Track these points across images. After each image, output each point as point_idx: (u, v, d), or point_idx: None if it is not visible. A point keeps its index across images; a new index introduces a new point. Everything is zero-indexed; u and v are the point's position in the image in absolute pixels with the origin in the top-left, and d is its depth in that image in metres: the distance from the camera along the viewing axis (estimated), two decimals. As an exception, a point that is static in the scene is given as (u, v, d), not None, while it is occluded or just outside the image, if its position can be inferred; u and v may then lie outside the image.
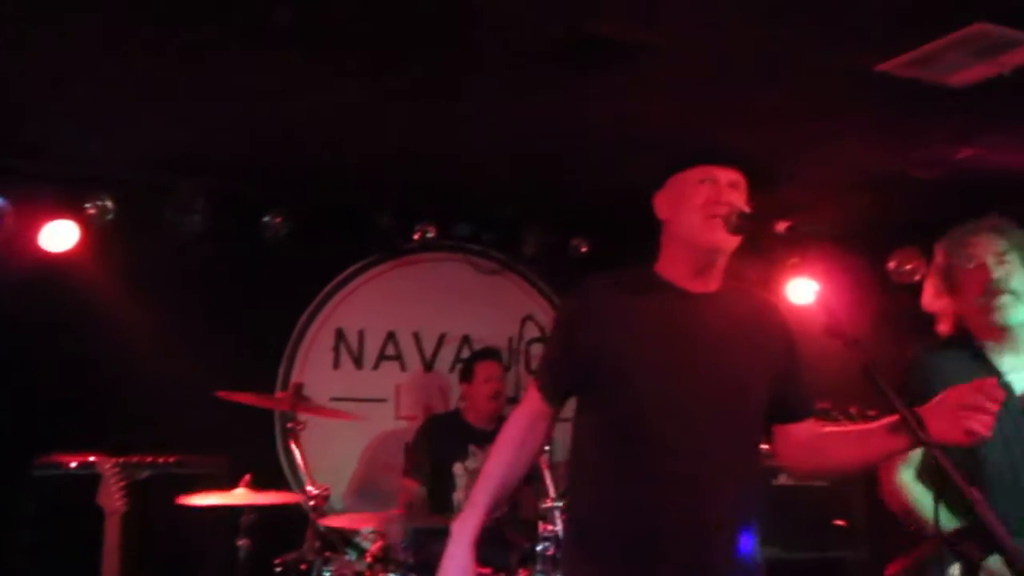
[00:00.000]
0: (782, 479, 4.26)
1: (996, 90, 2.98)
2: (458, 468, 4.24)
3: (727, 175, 1.99)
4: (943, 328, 2.35)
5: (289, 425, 3.47)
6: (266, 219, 4.50)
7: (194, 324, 4.32)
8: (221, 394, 3.40)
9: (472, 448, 4.28)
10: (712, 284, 2.03)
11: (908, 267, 4.88)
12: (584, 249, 5.11)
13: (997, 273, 2.20)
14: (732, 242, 1.96)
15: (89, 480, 3.23)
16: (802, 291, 4.97)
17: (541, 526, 3.09)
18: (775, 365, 2.03)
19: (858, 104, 3.28)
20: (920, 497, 2.21)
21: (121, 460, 3.28)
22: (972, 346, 2.29)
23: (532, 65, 3.02)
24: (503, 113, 3.51)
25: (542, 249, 5.08)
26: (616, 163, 4.00)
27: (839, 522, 4.30)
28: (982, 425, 1.65)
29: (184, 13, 2.68)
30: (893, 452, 1.87)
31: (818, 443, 2.02)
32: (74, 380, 4.10)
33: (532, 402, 2.09)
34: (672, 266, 2.04)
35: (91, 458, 3.30)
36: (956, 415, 1.67)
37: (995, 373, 2.21)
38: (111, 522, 3.11)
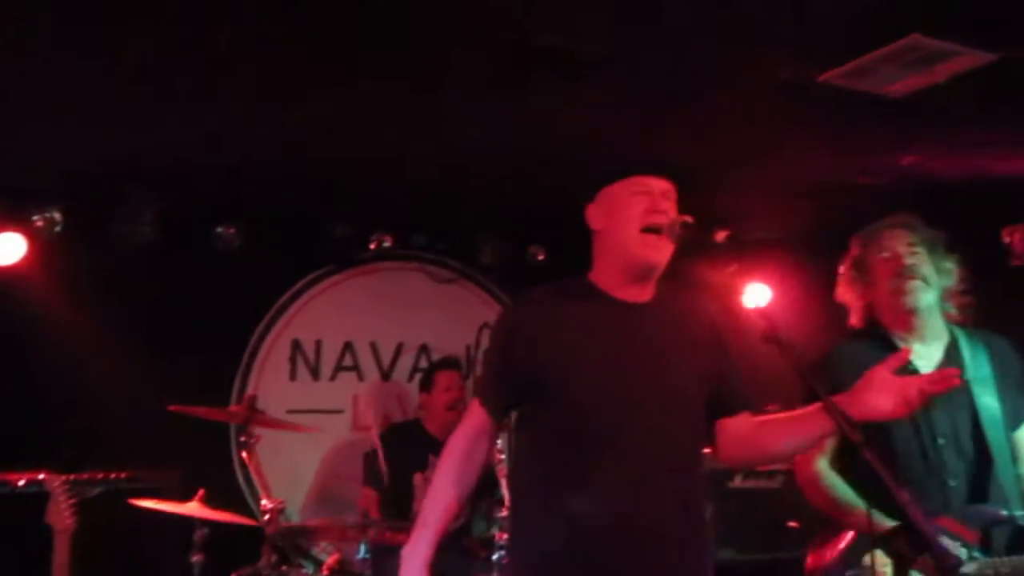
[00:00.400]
0: (737, 481, 4.33)
1: (932, 100, 3.07)
2: (418, 478, 4.24)
3: (659, 185, 2.04)
4: (853, 320, 2.46)
5: (242, 438, 3.45)
6: (219, 230, 4.47)
7: (147, 337, 4.28)
8: (174, 408, 3.36)
9: (431, 458, 4.28)
10: (647, 293, 2.06)
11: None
12: (541, 257, 5.14)
13: (909, 260, 2.33)
14: (668, 253, 2.00)
15: (37, 498, 3.17)
16: (755, 295, 5.11)
17: (498, 535, 3.11)
18: (709, 365, 2.07)
19: (802, 114, 3.35)
20: (837, 486, 2.31)
21: (71, 477, 3.22)
22: (881, 335, 2.39)
23: (486, 76, 3.05)
24: (457, 123, 3.52)
25: (499, 258, 5.10)
26: (570, 172, 4.03)
27: (792, 524, 4.36)
28: (905, 401, 1.73)
29: (129, 23, 2.65)
30: (823, 435, 1.94)
31: (754, 434, 2.07)
32: (22, 395, 4.04)
33: (475, 417, 2.09)
34: (607, 276, 2.07)
35: (40, 476, 3.23)
36: (879, 394, 1.77)
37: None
38: (60, 540, 3.05)
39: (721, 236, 1.78)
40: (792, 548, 4.33)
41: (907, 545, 1.37)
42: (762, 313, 1.66)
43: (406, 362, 5.11)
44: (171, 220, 4.32)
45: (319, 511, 4.63)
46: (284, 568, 3.61)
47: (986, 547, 2.16)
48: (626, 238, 1.99)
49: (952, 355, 2.36)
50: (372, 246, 4.85)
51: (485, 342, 5.04)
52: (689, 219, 1.96)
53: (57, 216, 4.10)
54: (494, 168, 4.14)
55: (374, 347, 5.06)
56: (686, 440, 2.03)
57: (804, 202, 4.49)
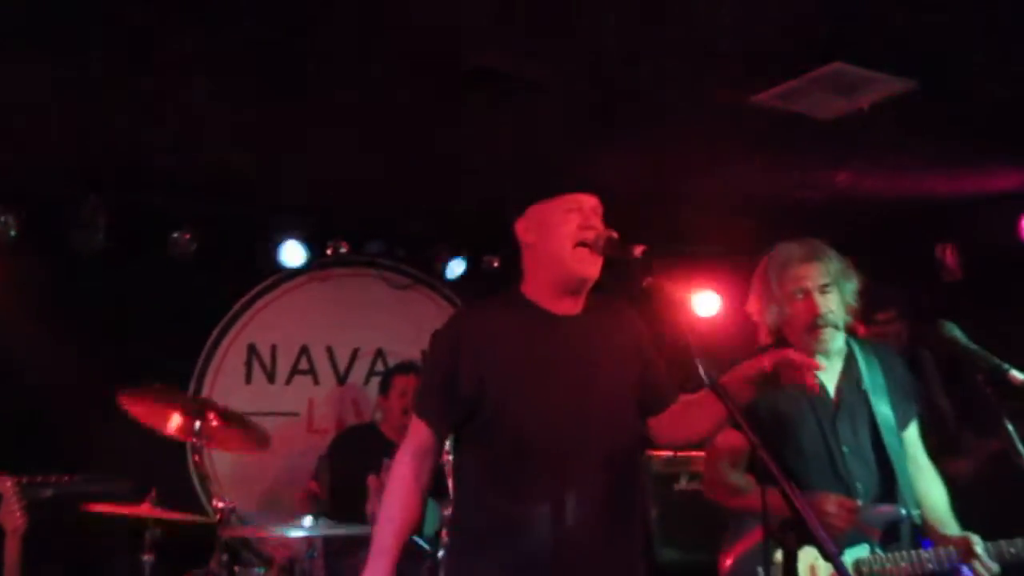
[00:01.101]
0: (682, 483, 4.45)
1: (858, 124, 3.24)
2: (372, 481, 4.28)
3: (589, 201, 2.10)
4: (761, 336, 2.56)
5: (193, 441, 3.50)
6: (175, 235, 4.51)
7: (101, 342, 4.32)
8: (125, 402, 3.39)
9: (386, 462, 4.33)
10: (578, 305, 2.14)
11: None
12: (496, 264, 5.25)
13: (823, 308, 2.40)
14: (598, 267, 2.07)
15: (-12, 499, 3.20)
16: (705, 304, 5.27)
17: (444, 535, 3.20)
18: (638, 371, 2.17)
19: (737, 134, 3.51)
20: (738, 483, 2.45)
21: (23, 480, 3.25)
22: None
23: (438, 91, 3.14)
24: (412, 133, 3.62)
25: (454, 265, 5.20)
26: (509, 187, 4.15)
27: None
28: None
29: (75, 29, 2.69)
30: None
31: (680, 418, 2.17)
32: (-28, 398, 4.06)
33: (419, 437, 2.11)
34: (540, 289, 2.13)
35: (-10, 478, 3.26)
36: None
37: None
38: (11, 541, 3.08)
39: (637, 252, 1.86)
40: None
41: (795, 537, 1.50)
42: (678, 325, 1.75)
43: (362, 366, 5.19)
44: (125, 226, 4.35)
45: (271, 513, 4.69)
46: (236, 568, 3.67)
47: (893, 541, 2.35)
48: (561, 253, 2.05)
49: (850, 367, 2.50)
50: (329, 252, 4.92)
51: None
52: (614, 234, 2.03)
53: (11, 221, 4.11)
54: (451, 178, 4.24)
55: (330, 351, 5.14)
56: (620, 447, 2.12)
57: (745, 218, 4.64)
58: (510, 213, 2.18)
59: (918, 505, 2.39)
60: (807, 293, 2.42)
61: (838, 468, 2.39)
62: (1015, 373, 2.31)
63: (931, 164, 3.88)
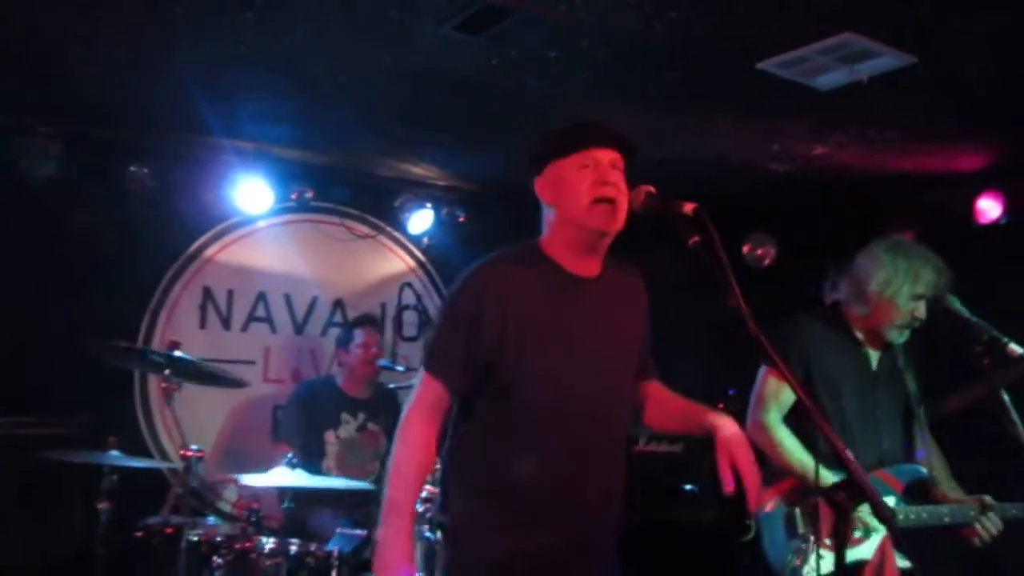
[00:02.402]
0: (640, 445, 4.53)
1: (854, 97, 3.28)
2: (329, 435, 4.22)
3: (607, 155, 2.05)
4: (836, 296, 2.82)
5: (164, 386, 3.35)
6: (132, 169, 4.28)
7: (51, 277, 4.08)
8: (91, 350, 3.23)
9: (345, 416, 4.27)
10: (596, 266, 2.11)
11: (759, 252, 5.26)
12: (462, 219, 5.17)
13: (921, 315, 2.66)
14: (618, 223, 2.03)
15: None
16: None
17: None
18: (641, 337, 2.20)
19: (733, 97, 3.51)
20: (783, 438, 2.66)
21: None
22: (844, 326, 2.78)
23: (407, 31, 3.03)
24: (386, 76, 3.48)
25: (419, 216, 5.10)
26: (494, 137, 4.08)
27: (689, 487, 4.61)
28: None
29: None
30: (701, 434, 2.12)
31: (664, 410, 2.25)
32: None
33: (433, 394, 2.03)
34: (559, 248, 2.09)
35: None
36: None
37: (858, 344, 2.76)
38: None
39: (689, 208, 1.81)
40: (689, 510, 4.62)
41: (848, 497, 1.52)
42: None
43: (320, 316, 5.06)
44: (82, 157, 4.11)
45: (224, 463, 4.57)
46: (193, 519, 3.57)
47: (913, 496, 2.66)
48: (577, 211, 2.02)
49: (888, 350, 2.81)
50: (293, 196, 4.75)
51: (405, 300, 5.14)
52: (651, 189, 2.01)
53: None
54: (418, 126, 4.13)
55: (288, 299, 4.98)
56: (624, 413, 2.16)
57: (717, 183, 4.67)
58: (529, 172, 2.13)
59: (931, 468, 2.70)
60: (923, 300, 2.66)
61: (872, 428, 2.69)
62: (1014, 346, 2.41)
63: (906, 142, 3.96)
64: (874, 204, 4.65)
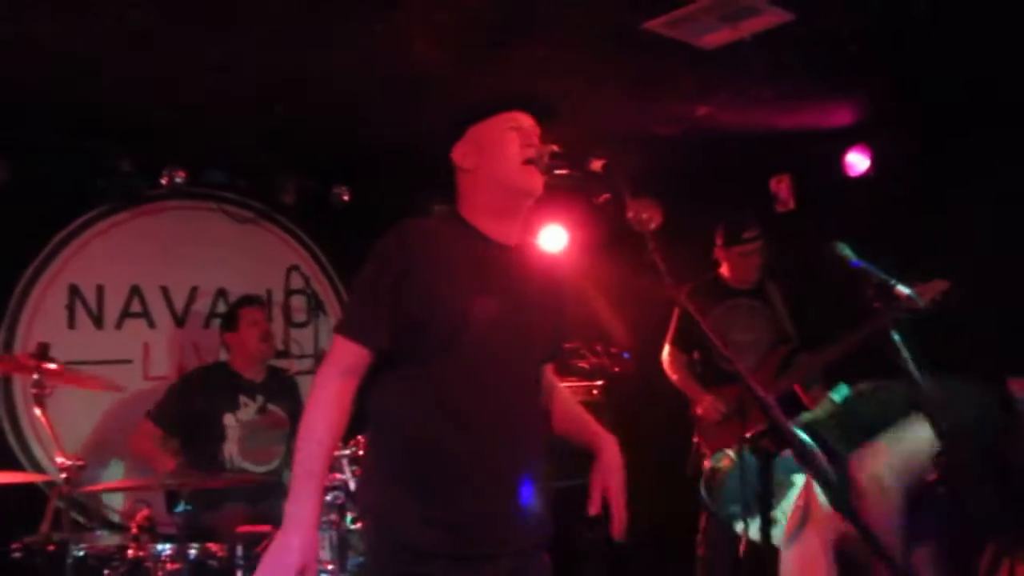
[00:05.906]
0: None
1: (737, 54, 3.33)
2: (229, 419, 4.04)
3: (527, 120, 2.06)
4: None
5: (34, 391, 3.09)
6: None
7: None
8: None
9: (243, 399, 4.10)
10: (514, 235, 2.09)
11: (644, 216, 5.33)
12: (346, 198, 5.00)
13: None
14: (542, 185, 2.02)
15: None
16: (552, 238, 5.31)
17: (330, 475, 3.04)
18: (555, 315, 2.18)
19: (620, 59, 3.50)
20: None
21: None
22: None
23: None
24: (262, 54, 3.31)
25: (301, 197, 4.90)
26: (382, 111, 3.95)
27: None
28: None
29: None
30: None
31: (567, 416, 2.25)
32: None
33: (347, 357, 1.95)
34: (480, 213, 2.06)
35: None
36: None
37: None
38: None
39: (596, 166, 1.79)
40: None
41: (771, 443, 1.53)
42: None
43: (201, 307, 4.80)
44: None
45: (102, 471, 4.28)
46: (77, 534, 3.33)
47: None
48: (507, 172, 2.00)
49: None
50: (164, 182, 4.45)
51: (292, 284, 4.95)
52: (556, 148, 2.00)
53: None
54: (299, 105, 3.95)
55: (165, 292, 4.69)
56: (538, 383, 2.13)
57: (598, 149, 4.69)
58: (446, 138, 2.08)
59: None
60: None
61: None
62: (901, 288, 2.51)
63: (781, 99, 4.07)
64: (752, 162, 4.78)
